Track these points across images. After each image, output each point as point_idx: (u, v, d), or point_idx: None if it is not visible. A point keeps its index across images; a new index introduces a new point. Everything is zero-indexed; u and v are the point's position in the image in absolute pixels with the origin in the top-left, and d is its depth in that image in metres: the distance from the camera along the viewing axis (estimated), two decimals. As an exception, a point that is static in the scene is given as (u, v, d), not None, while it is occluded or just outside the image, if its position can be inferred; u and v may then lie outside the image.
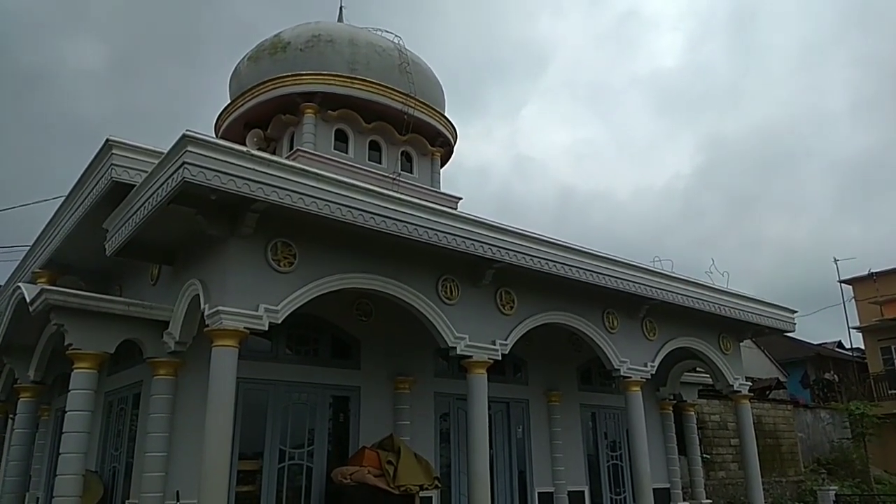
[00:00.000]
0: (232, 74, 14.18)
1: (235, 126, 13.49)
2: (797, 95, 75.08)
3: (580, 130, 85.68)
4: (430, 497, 9.30)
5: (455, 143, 14.84)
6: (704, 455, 15.91)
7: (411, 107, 13.11)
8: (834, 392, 26.73)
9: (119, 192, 7.33)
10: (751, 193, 72.19)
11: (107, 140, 7.39)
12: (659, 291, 10.30)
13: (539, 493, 11.02)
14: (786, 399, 22.36)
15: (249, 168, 6.29)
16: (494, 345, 8.65)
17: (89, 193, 7.89)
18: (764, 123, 72.64)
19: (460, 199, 13.79)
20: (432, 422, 9.96)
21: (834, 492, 12.51)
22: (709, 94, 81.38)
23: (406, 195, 7.86)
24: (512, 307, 9.05)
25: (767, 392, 22.03)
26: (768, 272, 63.97)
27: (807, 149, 72.94)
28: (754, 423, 13.57)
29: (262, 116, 13.23)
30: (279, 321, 6.87)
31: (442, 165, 14.70)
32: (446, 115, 14.46)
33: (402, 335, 9.45)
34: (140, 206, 6.83)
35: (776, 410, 20.21)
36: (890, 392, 25.05)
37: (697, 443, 14.29)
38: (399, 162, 13.41)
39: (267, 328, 6.79)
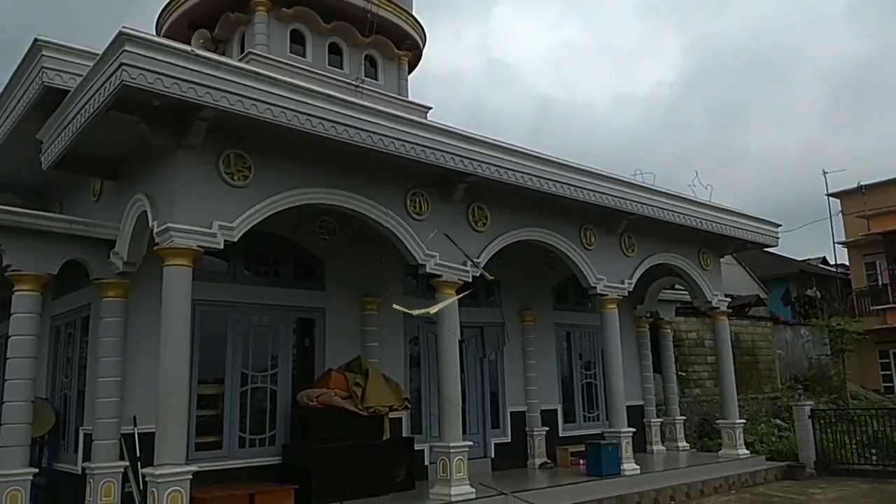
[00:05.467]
0: (173, -34, 13.47)
1: (178, 26, 12.92)
2: (792, -5, 73.97)
3: (558, 33, 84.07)
4: (400, 418, 9.62)
5: (423, 46, 14.45)
6: (680, 372, 16.55)
7: (375, 4, 12.66)
8: (815, 309, 27.77)
9: (52, 99, 7.10)
10: (738, 104, 72.29)
11: (35, 40, 7.08)
12: (639, 205, 10.43)
13: (511, 413, 11.46)
14: (765, 316, 23.15)
15: (195, 70, 6.11)
16: (466, 265, 8.75)
17: (19, 101, 7.63)
18: (754, 27, 71.92)
19: (430, 108, 13.56)
20: (402, 344, 10.18)
21: (809, 407, 13.19)
22: (699, -8, 79.78)
23: (370, 103, 7.71)
24: (485, 223, 9.10)
25: (747, 309, 22.76)
26: (754, 187, 65.03)
27: (798, 55, 72.67)
28: (732, 341, 14.11)
29: (208, 15, 12.68)
30: (235, 239, 6.84)
31: (410, 72, 14.37)
32: (414, 14, 14.02)
33: (369, 254, 9.48)
34: (76, 114, 6.62)
35: (755, 327, 20.97)
36: (872, 308, 26.08)
37: (673, 360, 14.84)
38: (362, 67, 13.05)
39: (222, 247, 6.77)
